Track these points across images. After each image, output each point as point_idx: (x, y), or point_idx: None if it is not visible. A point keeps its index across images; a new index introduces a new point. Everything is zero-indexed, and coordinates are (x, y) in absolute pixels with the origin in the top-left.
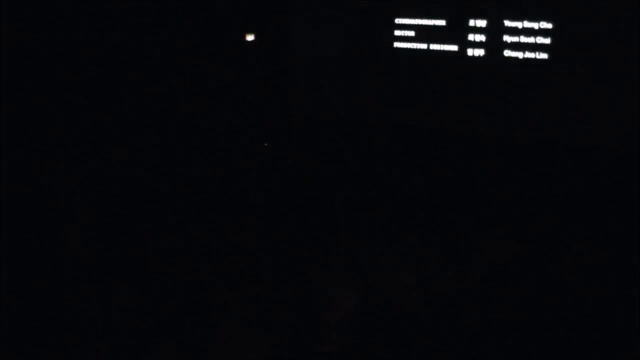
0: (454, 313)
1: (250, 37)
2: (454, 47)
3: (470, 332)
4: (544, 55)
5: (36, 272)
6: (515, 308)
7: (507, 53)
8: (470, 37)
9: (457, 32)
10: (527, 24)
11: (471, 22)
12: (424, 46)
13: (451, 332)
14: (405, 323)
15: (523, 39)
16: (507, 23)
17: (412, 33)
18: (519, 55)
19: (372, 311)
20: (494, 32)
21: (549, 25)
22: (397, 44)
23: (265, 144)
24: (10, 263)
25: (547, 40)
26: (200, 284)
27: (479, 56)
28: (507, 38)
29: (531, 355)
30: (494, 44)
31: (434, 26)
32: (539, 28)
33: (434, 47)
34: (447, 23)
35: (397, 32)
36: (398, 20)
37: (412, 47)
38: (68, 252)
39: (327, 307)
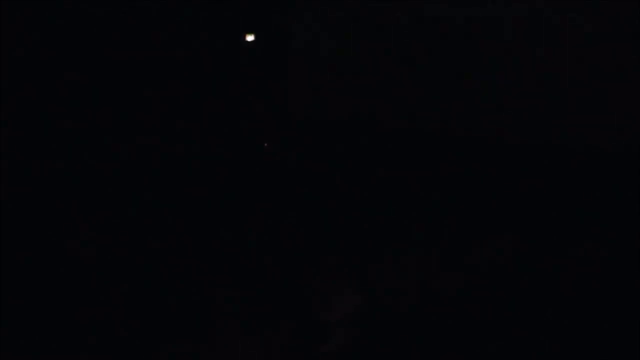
0: (454, 313)
1: (250, 37)
2: (453, 47)
3: (471, 332)
4: (542, 53)
5: (35, 272)
6: (515, 308)
7: (507, 52)
8: (470, 36)
9: (456, 31)
10: (527, 23)
11: (470, 21)
12: (423, 46)
13: (451, 332)
14: (405, 323)
15: (522, 38)
16: (507, 21)
17: (411, 32)
18: (518, 54)
19: (372, 311)
20: (493, 29)
21: (549, 23)
22: (397, 44)
23: (265, 144)
24: (11, 263)
25: (546, 39)
26: (200, 284)
27: (479, 55)
28: (507, 37)
29: (531, 355)
30: (493, 43)
31: (433, 25)
32: (539, 26)
33: (434, 47)
34: (445, 22)
35: (397, 32)
36: (398, 20)
37: (412, 46)
38: (68, 252)
39: (328, 307)
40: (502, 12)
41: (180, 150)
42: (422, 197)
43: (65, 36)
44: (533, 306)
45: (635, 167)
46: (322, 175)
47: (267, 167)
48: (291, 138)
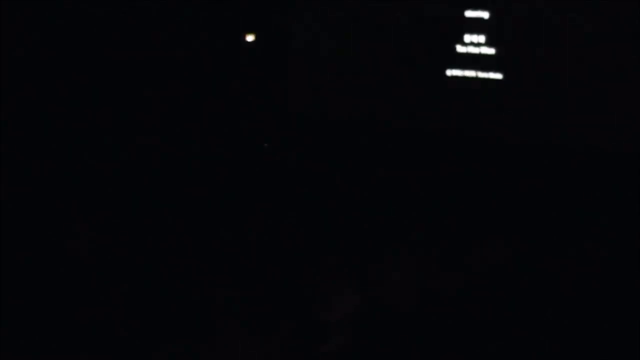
0: (454, 313)
1: (250, 37)
2: (453, 47)
3: (471, 332)
4: (542, 53)
5: (35, 272)
6: (515, 308)
7: (506, 51)
8: (470, 36)
9: (455, 30)
10: (527, 23)
11: (470, 19)
12: (423, 46)
13: (451, 332)
14: (405, 323)
15: (522, 38)
16: (507, 21)
17: (411, 32)
18: (518, 54)
19: (372, 311)
20: (494, 30)
21: (551, 22)
22: (397, 44)
23: (265, 144)
24: (11, 263)
25: (546, 39)
26: (200, 284)
27: (479, 55)
28: (507, 37)
29: (531, 355)
30: (493, 43)
31: (433, 25)
32: (539, 26)
33: (434, 47)
34: (445, 20)
35: (397, 32)
36: (398, 20)
37: (412, 46)
38: (68, 252)
39: (328, 307)
40: (502, 12)
41: (180, 150)
42: (422, 197)
43: (65, 36)
44: (533, 306)
45: (635, 167)
46: (322, 175)
47: (267, 167)
48: (291, 138)
